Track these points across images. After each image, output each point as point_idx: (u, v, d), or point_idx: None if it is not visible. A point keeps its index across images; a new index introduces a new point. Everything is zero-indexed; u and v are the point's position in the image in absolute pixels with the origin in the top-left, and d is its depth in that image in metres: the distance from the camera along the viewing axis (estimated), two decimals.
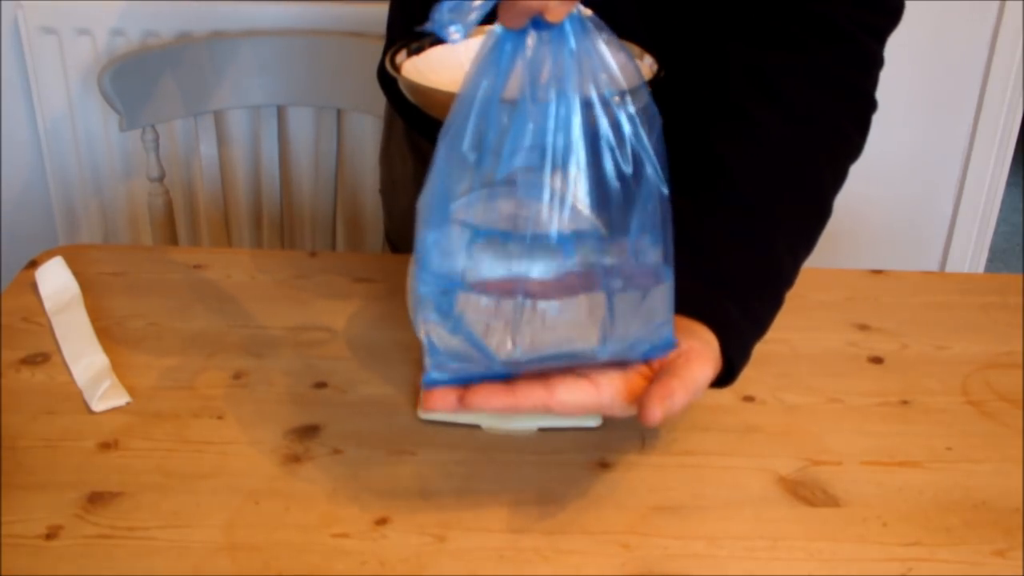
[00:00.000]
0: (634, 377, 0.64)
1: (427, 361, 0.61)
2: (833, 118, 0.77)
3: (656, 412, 0.60)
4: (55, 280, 0.92)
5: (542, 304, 0.59)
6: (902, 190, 1.79)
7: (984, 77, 1.71)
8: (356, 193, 1.65)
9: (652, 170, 0.58)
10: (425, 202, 0.58)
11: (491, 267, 0.58)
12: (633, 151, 0.57)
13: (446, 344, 0.60)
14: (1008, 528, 0.69)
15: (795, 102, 0.76)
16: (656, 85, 0.72)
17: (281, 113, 1.51)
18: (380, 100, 1.07)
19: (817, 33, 0.77)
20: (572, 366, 0.63)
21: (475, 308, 0.59)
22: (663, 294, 0.61)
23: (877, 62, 0.79)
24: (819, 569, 0.66)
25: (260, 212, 1.57)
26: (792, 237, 0.74)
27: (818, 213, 0.76)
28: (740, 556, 0.66)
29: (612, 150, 0.57)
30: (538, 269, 0.58)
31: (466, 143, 0.56)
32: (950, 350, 0.89)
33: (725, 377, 0.70)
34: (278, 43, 1.36)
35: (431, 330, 0.60)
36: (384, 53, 1.03)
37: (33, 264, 0.94)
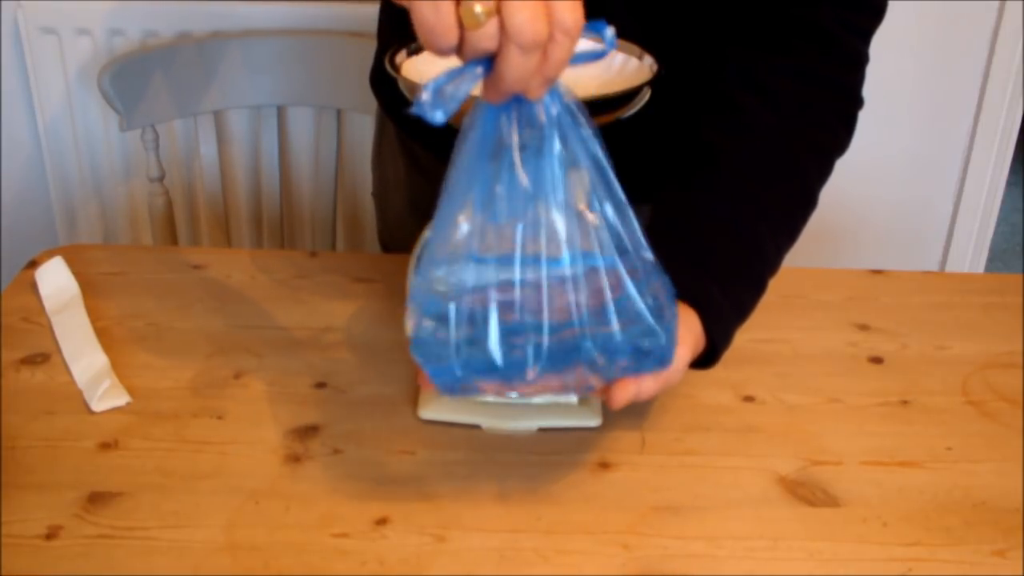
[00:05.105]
0: None
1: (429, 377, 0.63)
2: (819, 113, 0.79)
3: (619, 397, 0.63)
4: (55, 280, 0.92)
5: (549, 334, 0.61)
6: (902, 190, 1.79)
7: (984, 77, 1.71)
8: (356, 193, 1.65)
9: (639, 224, 0.61)
10: (427, 256, 0.60)
11: (497, 291, 0.60)
12: (618, 203, 0.60)
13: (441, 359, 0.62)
14: (1008, 528, 0.69)
15: (783, 98, 0.78)
16: (656, 84, 0.73)
17: (281, 113, 1.51)
18: None
19: (803, 35, 0.79)
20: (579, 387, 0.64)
21: (470, 341, 0.61)
22: (669, 325, 0.63)
23: (862, 60, 0.81)
24: (819, 569, 0.66)
25: (260, 212, 1.57)
26: (776, 224, 0.76)
27: (803, 203, 0.78)
28: (740, 556, 0.66)
29: (599, 204, 0.60)
30: (544, 296, 0.60)
31: (461, 212, 0.59)
32: (950, 350, 0.89)
33: (707, 358, 0.71)
34: (278, 43, 1.36)
35: (429, 364, 0.62)
36: (376, 58, 1.03)
37: (33, 264, 0.94)
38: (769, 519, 0.69)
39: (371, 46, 1.03)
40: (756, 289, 0.75)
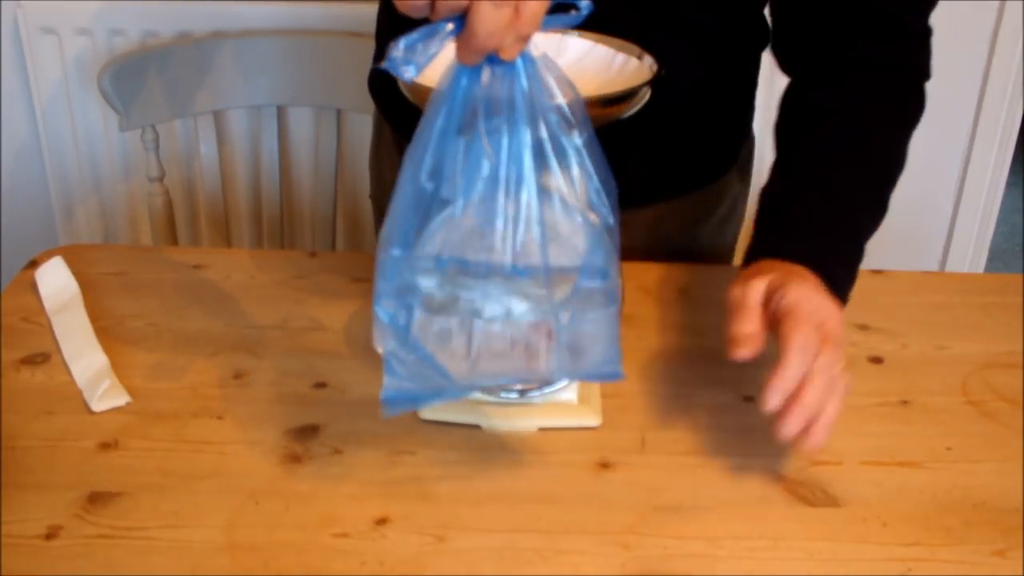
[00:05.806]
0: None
1: (384, 379, 0.62)
2: (893, 99, 0.86)
3: (821, 435, 0.68)
4: (55, 280, 0.92)
5: (496, 328, 0.61)
6: (902, 190, 1.78)
7: (984, 77, 1.71)
8: (356, 193, 1.65)
9: (599, 200, 0.61)
10: (388, 227, 0.60)
11: (448, 292, 0.60)
12: (581, 183, 0.60)
13: (403, 363, 0.61)
14: (1008, 528, 0.69)
15: (859, 95, 0.85)
16: (656, 83, 0.73)
17: (281, 113, 1.51)
18: None
19: (868, 28, 0.84)
20: (526, 384, 0.65)
21: (432, 332, 0.61)
22: (610, 318, 0.63)
23: (927, 36, 0.89)
24: (819, 569, 0.66)
25: (260, 212, 1.57)
26: (870, 202, 0.85)
27: (888, 178, 0.87)
28: (740, 556, 0.66)
29: (561, 181, 0.60)
30: (493, 295, 0.60)
31: (424, 173, 0.58)
32: (950, 350, 0.88)
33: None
34: (278, 43, 1.36)
35: (388, 349, 0.61)
36: (374, 62, 1.03)
37: (33, 264, 0.94)
38: (769, 519, 0.69)
39: (371, 46, 1.03)
40: (858, 246, 0.82)
